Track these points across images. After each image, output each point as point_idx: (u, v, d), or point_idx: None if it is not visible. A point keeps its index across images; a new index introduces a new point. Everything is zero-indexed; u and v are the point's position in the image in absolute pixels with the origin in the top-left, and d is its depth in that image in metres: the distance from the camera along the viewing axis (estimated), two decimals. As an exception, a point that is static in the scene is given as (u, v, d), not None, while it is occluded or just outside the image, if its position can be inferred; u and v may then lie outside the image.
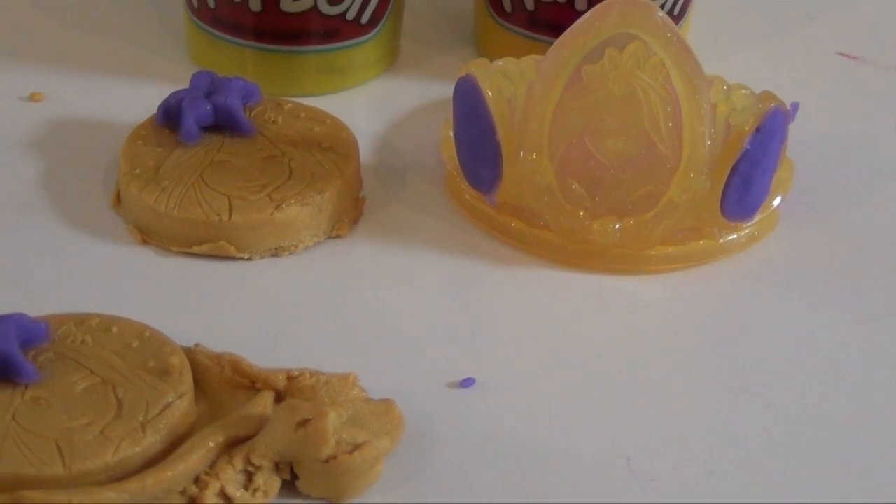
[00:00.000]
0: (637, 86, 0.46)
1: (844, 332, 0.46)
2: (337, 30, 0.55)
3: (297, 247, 0.48)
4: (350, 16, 0.54)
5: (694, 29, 0.58)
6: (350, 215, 0.50)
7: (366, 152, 0.52)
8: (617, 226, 0.47)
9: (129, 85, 0.56)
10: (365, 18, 0.55)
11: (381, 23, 0.56)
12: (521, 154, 0.48)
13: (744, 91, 0.49)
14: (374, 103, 0.56)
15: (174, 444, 0.40)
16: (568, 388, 0.44)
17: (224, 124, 0.51)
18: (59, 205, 0.50)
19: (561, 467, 0.41)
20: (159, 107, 0.51)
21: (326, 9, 0.54)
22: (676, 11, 0.56)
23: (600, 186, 0.48)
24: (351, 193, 0.50)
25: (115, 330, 0.42)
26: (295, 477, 0.40)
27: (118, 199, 0.50)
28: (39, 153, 0.52)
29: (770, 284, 0.48)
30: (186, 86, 0.51)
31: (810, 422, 0.43)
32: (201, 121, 0.50)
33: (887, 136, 0.56)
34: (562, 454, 0.41)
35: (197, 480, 0.39)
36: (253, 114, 0.51)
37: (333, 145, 0.51)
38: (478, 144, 0.48)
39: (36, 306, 0.43)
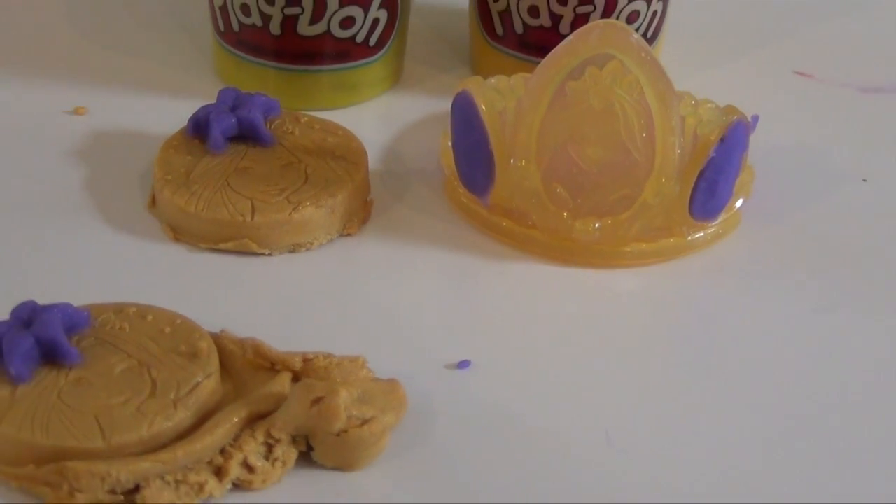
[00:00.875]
0: (615, 100, 0.46)
1: (799, 320, 0.46)
2: (348, 51, 0.55)
3: (312, 244, 0.48)
4: (359, 39, 0.54)
5: (665, 49, 0.58)
6: (359, 216, 0.50)
7: (373, 160, 0.52)
8: (596, 225, 0.47)
9: (162, 100, 0.56)
10: (373, 41, 0.55)
11: (387, 45, 0.56)
12: (512, 161, 0.48)
13: (709, 105, 0.49)
14: (380, 116, 0.56)
15: (202, 420, 0.40)
16: (553, 368, 0.44)
17: (247, 135, 0.51)
18: (101, 207, 0.50)
19: (547, 439, 0.41)
20: (189, 119, 0.51)
21: (339, 33, 0.54)
22: (650, 34, 0.56)
23: (582, 190, 0.47)
24: (360, 196, 0.50)
25: (149, 318, 0.42)
26: (310, 448, 0.40)
27: (153, 202, 0.50)
28: (83, 161, 0.52)
29: (732, 277, 0.48)
30: (214, 101, 0.51)
31: (768, 398, 0.43)
32: (227, 132, 0.50)
33: (837, 145, 0.56)
34: (548, 427, 0.41)
35: (223, 452, 0.39)
36: (273, 126, 0.51)
37: (345, 154, 0.51)
38: (473, 153, 0.48)
39: (79, 297, 0.43)
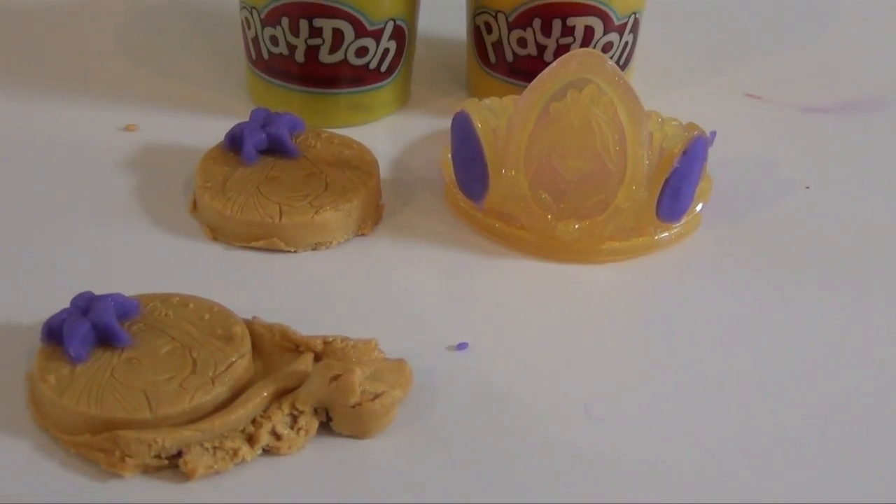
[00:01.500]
0: (592, 118, 0.46)
1: (750, 306, 0.46)
2: (362, 77, 0.54)
3: (331, 243, 0.48)
4: (372, 66, 0.54)
5: (636, 74, 0.58)
6: (372, 218, 0.49)
7: (384, 170, 0.52)
8: (576, 226, 0.47)
9: (202, 118, 0.55)
10: (384, 68, 0.54)
11: (396, 71, 0.55)
12: (503, 171, 0.47)
13: (674, 122, 0.48)
14: (390, 133, 0.56)
15: (236, 394, 0.40)
16: (539, 350, 0.44)
17: (276, 149, 0.50)
18: (149, 210, 0.49)
19: (533, 410, 0.41)
20: (226, 135, 0.51)
21: (354, 61, 0.53)
22: (622, 62, 0.55)
23: (564, 196, 0.47)
24: (373, 202, 0.50)
25: (191, 306, 0.42)
26: (329, 419, 0.40)
27: (194, 206, 0.49)
28: (133, 171, 0.52)
29: (694, 271, 0.48)
30: (247, 119, 0.51)
31: (723, 373, 0.43)
32: (258, 146, 0.50)
33: (784, 158, 0.55)
34: (535, 400, 0.41)
35: (254, 422, 0.39)
36: (298, 141, 0.51)
37: (359, 165, 0.50)
38: (470, 164, 0.48)
39: (130, 288, 0.42)
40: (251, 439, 0.39)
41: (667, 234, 0.49)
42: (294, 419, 0.39)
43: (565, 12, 0.53)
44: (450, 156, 0.50)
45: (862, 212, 0.52)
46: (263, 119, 0.51)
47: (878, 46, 0.65)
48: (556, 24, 0.53)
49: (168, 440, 0.38)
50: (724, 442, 0.40)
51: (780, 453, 0.40)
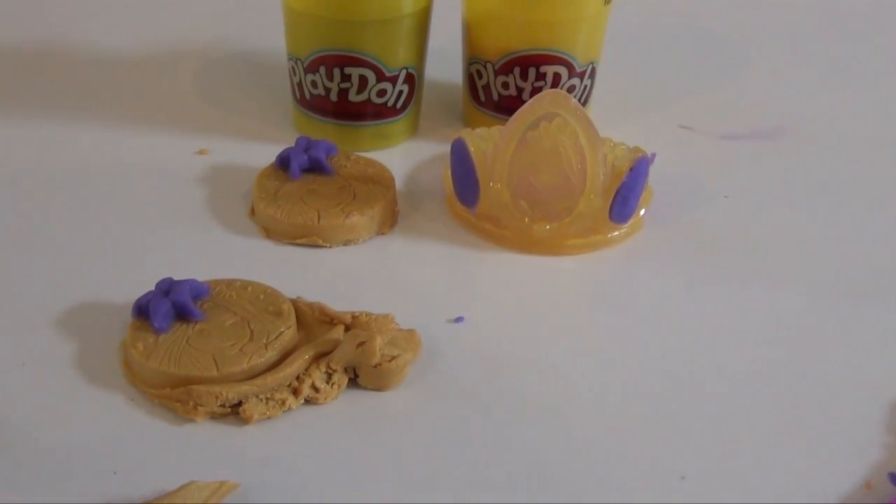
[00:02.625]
0: (559, 143, 0.46)
1: (682, 289, 0.46)
2: (382, 112, 0.54)
3: (358, 240, 0.48)
4: (389, 104, 0.53)
5: (594, 110, 0.57)
6: (390, 221, 0.49)
7: (399, 184, 0.51)
8: (547, 227, 0.47)
9: (258, 144, 0.55)
10: (399, 105, 0.54)
11: (409, 108, 0.55)
12: (491, 184, 0.47)
13: (623, 146, 0.48)
14: (404, 155, 0.55)
15: (284, 357, 0.39)
16: (518, 321, 0.43)
17: (315, 168, 0.50)
18: (217, 215, 0.49)
19: (516, 368, 0.41)
20: (276, 157, 0.50)
21: (376, 100, 0.53)
22: (583, 100, 0.55)
23: (537, 203, 0.47)
24: (390, 208, 0.49)
25: (249, 289, 0.42)
26: (356, 376, 0.40)
27: (252, 212, 0.49)
28: (204, 185, 0.51)
29: (638, 261, 0.47)
30: (293, 145, 0.50)
31: (657, 338, 0.43)
32: (302, 166, 0.49)
33: (707, 174, 0.55)
34: (516, 361, 0.41)
35: (298, 378, 0.39)
36: (332, 161, 0.51)
37: (380, 180, 0.50)
38: (465, 179, 0.48)
39: (202, 275, 0.42)
40: (296, 392, 0.38)
41: (617, 232, 0.48)
42: (329, 376, 0.39)
43: (538, 62, 0.52)
44: (449, 173, 0.49)
45: (769, 216, 0.51)
46: (306, 145, 0.50)
47: (780, 89, 0.64)
48: (532, 71, 0.53)
49: (231, 393, 0.37)
50: (658, 389, 0.40)
51: (699, 395, 0.40)
